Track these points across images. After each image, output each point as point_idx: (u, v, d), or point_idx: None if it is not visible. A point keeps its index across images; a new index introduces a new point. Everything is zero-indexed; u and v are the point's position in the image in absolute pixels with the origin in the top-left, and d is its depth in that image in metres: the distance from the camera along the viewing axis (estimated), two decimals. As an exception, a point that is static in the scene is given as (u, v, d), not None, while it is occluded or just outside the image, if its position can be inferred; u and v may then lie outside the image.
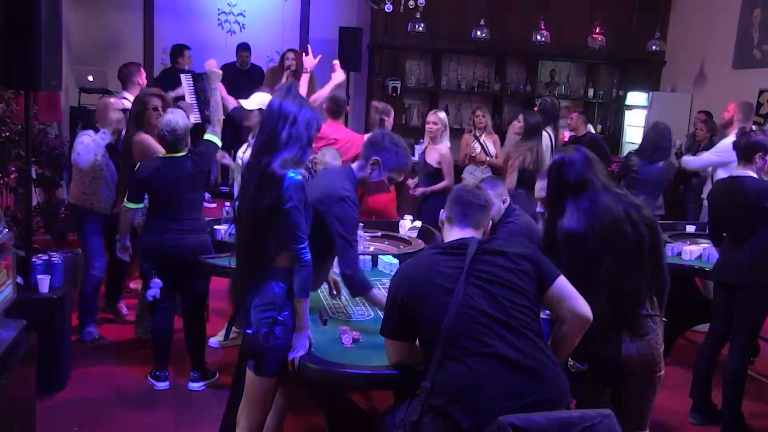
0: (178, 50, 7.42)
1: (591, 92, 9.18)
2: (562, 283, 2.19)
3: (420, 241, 4.20)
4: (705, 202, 5.73)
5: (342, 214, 2.71)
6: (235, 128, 5.21)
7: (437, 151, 5.43)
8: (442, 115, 5.58)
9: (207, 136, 4.00)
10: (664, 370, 2.55)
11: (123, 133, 4.44)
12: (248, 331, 2.48)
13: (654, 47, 8.24)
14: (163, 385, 3.93)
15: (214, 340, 4.47)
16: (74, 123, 6.81)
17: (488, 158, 6.14)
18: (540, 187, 3.01)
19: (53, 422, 3.47)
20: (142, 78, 5.05)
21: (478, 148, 6.19)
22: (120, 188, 4.35)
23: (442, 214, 2.42)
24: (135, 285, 5.12)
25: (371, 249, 4.03)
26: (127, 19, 8.25)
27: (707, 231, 4.63)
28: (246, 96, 4.19)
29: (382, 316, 2.79)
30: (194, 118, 6.32)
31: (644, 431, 2.60)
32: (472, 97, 9.05)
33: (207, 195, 3.92)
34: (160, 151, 3.95)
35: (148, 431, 3.50)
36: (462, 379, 2.02)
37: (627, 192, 2.67)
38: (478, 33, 7.81)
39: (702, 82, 8.29)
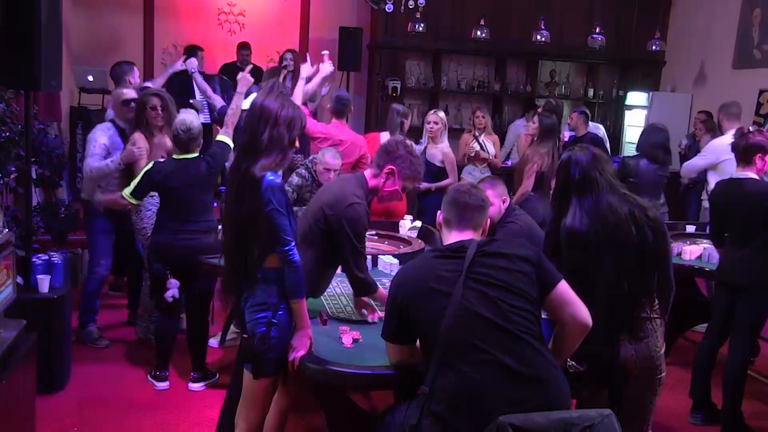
0: (192, 50, 7.36)
1: (591, 92, 9.17)
2: (564, 288, 2.18)
3: (420, 241, 4.21)
4: (704, 203, 5.75)
5: (352, 219, 2.71)
6: (234, 129, 5.22)
7: (439, 150, 5.49)
8: (442, 114, 5.62)
9: (219, 137, 4.02)
10: (665, 372, 2.54)
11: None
12: (244, 336, 2.47)
13: (654, 47, 8.23)
14: (163, 385, 3.93)
15: (214, 341, 4.47)
16: (74, 123, 6.81)
17: (486, 163, 6.15)
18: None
19: (53, 422, 3.47)
20: (134, 77, 5.03)
21: (477, 148, 6.20)
22: (121, 181, 4.35)
23: (440, 215, 2.40)
24: None
25: (371, 249, 4.03)
26: (127, 19, 8.25)
27: (707, 231, 4.64)
28: (245, 96, 4.20)
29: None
30: (203, 117, 6.34)
31: (647, 423, 2.60)
32: (472, 97, 9.04)
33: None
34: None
35: (148, 431, 3.50)
36: (461, 388, 2.01)
37: (633, 194, 2.65)
38: (478, 33, 7.80)
39: (702, 82, 8.29)
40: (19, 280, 3.44)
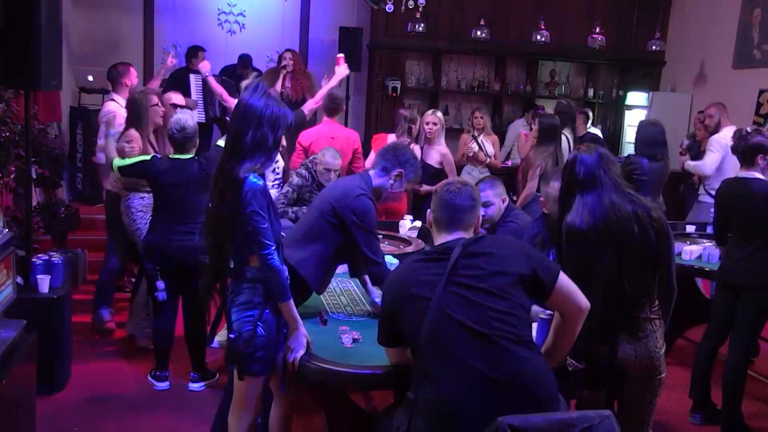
0: (192, 51, 7.36)
1: (591, 92, 9.16)
2: (563, 282, 2.14)
3: (420, 241, 4.21)
4: (701, 197, 5.77)
5: (361, 209, 2.83)
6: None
7: (437, 152, 5.46)
8: (440, 114, 5.61)
9: (220, 143, 4.02)
10: (665, 373, 2.54)
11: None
12: (231, 336, 2.46)
13: (654, 47, 8.23)
14: (163, 385, 3.93)
15: (214, 341, 4.47)
16: (74, 123, 6.80)
17: (487, 159, 6.14)
18: (554, 187, 3.01)
19: (53, 422, 3.47)
20: (131, 79, 5.03)
21: (476, 148, 6.20)
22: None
23: (429, 215, 2.34)
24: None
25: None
26: (127, 19, 8.25)
27: (707, 231, 4.64)
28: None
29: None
30: (198, 117, 6.35)
31: (647, 423, 2.60)
32: (472, 97, 9.04)
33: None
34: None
35: (148, 431, 3.50)
36: (440, 402, 1.99)
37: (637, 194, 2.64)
38: (478, 33, 7.79)
39: (702, 82, 8.29)
40: (19, 280, 3.44)
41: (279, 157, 4.52)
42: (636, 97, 8.70)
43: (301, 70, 6.30)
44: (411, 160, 3.02)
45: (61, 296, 3.77)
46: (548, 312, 2.48)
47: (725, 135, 5.40)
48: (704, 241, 4.49)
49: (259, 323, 2.42)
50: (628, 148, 8.39)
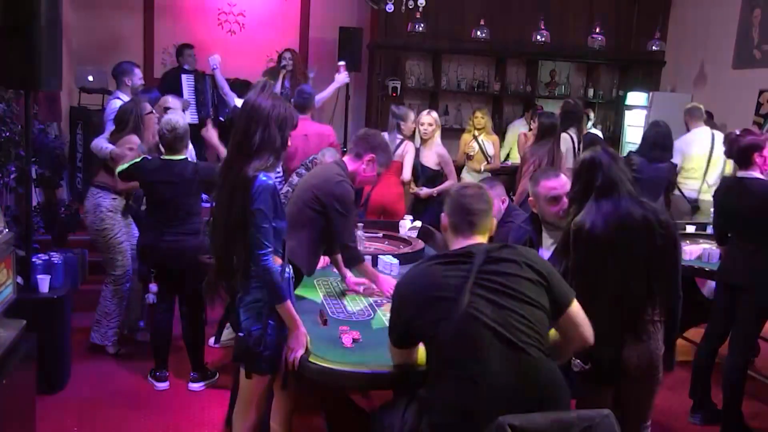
0: (179, 50, 7.45)
1: (591, 92, 9.16)
2: (576, 309, 2.13)
3: (420, 241, 4.20)
4: (702, 200, 5.77)
5: (340, 193, 3.02)
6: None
7: (433, 153, 5.34)
8: (435, 114, 5.46)
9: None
10: (663, 373, 2.55)
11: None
12: (240, 334, 2.47)
13: (654, 47, 8.22)
14: (163, 385, 3.94)
15: (213, 340, 4.47)
16: (74, 123, 6.80)
17: (485, 164, 6.15)
18: (553, 186, 2.99)
19: (53, 422, 3.47)
20: (135, 78, 5.01)
21: (476, 148, 6.19)
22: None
23: (444, 218, 2.31)
24: None
25: (371, 249, 4.03)
26: (127, 19, 8.24)
27: (707, 231, 4.64)
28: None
29: (380, 315, 2.80)
30: (190, 117, 6.35)
31: (646, 423, 2.61)
32: (472, 97, 9.03)
33: (204, 195, 3.93)
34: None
35: (148, 431, 3.50)
36: (457, 403, 1.98)
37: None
38: (478, 33, 7.79)
39: (702, 82, 8.29)
40: (19, 280, 3.44)
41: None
42: (636, 97, 8.69)
43: (300, 71, 6.32)
44: (382, 145, 3.20)
45: (61, 296, 3.77)
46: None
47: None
48: (704, 240, 4.49)
49: (269, 321, 2.43)
50: (628, 148, 8.39)
